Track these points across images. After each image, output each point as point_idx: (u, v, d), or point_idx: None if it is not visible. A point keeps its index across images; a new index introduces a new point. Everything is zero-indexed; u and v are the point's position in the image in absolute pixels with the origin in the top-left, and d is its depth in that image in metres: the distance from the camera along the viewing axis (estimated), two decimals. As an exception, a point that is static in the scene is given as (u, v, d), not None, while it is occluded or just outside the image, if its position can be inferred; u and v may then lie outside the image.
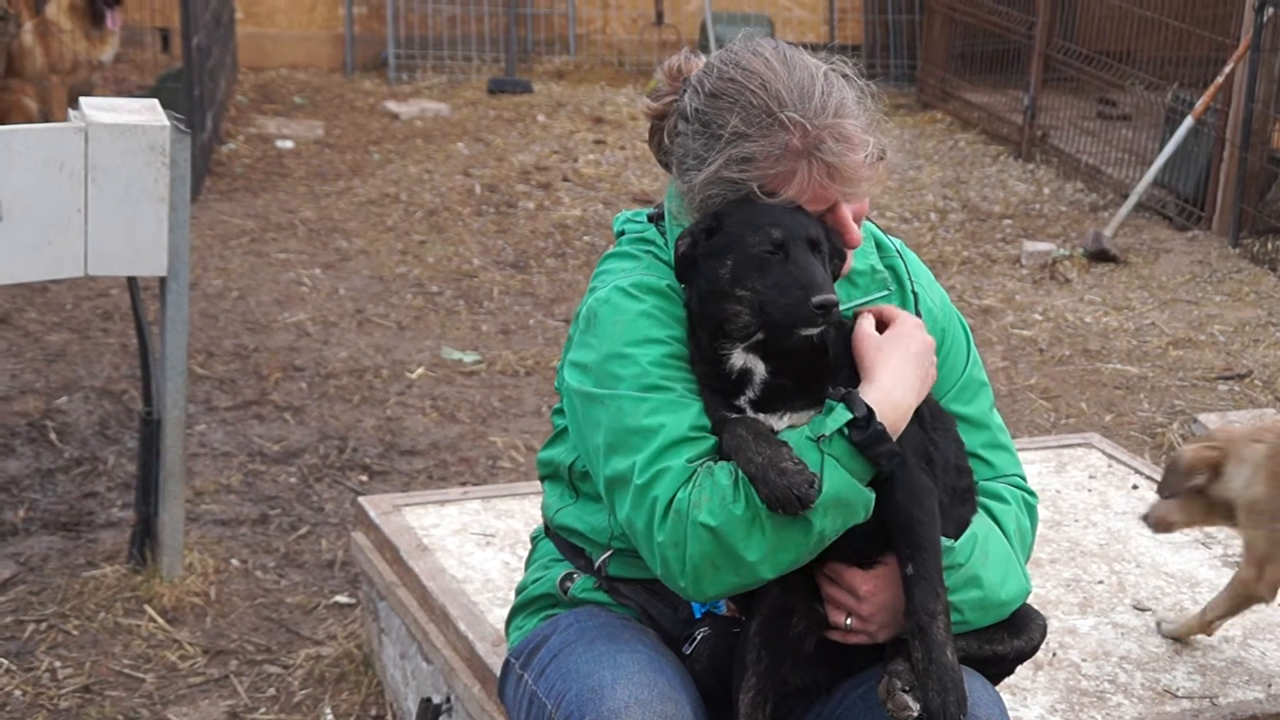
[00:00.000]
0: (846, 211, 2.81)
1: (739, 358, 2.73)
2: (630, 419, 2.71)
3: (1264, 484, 3.89)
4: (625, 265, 2.94)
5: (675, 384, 2.75)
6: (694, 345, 2.79)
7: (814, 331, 2.68)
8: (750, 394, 2.74)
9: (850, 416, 2.65)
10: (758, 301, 2.68)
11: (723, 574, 2.64)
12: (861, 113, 2.79)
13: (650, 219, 3.02)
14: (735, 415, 2.73)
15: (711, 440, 2.71)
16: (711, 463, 2.68)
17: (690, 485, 2.64)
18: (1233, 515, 3.97)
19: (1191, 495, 4.00)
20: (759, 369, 2.73)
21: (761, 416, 2.72)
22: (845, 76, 2.82)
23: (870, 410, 2.67)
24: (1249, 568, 3.94)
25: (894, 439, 2.68)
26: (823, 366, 2.75)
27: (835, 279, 2.80)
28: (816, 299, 2.62)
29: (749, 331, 2.71)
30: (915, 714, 2.66)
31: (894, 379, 2.75)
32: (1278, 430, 3.97)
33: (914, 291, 3.06)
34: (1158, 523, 4.11)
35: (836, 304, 2.64)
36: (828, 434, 2.64)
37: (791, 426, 2.71)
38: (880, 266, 3.03)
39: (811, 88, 2.75)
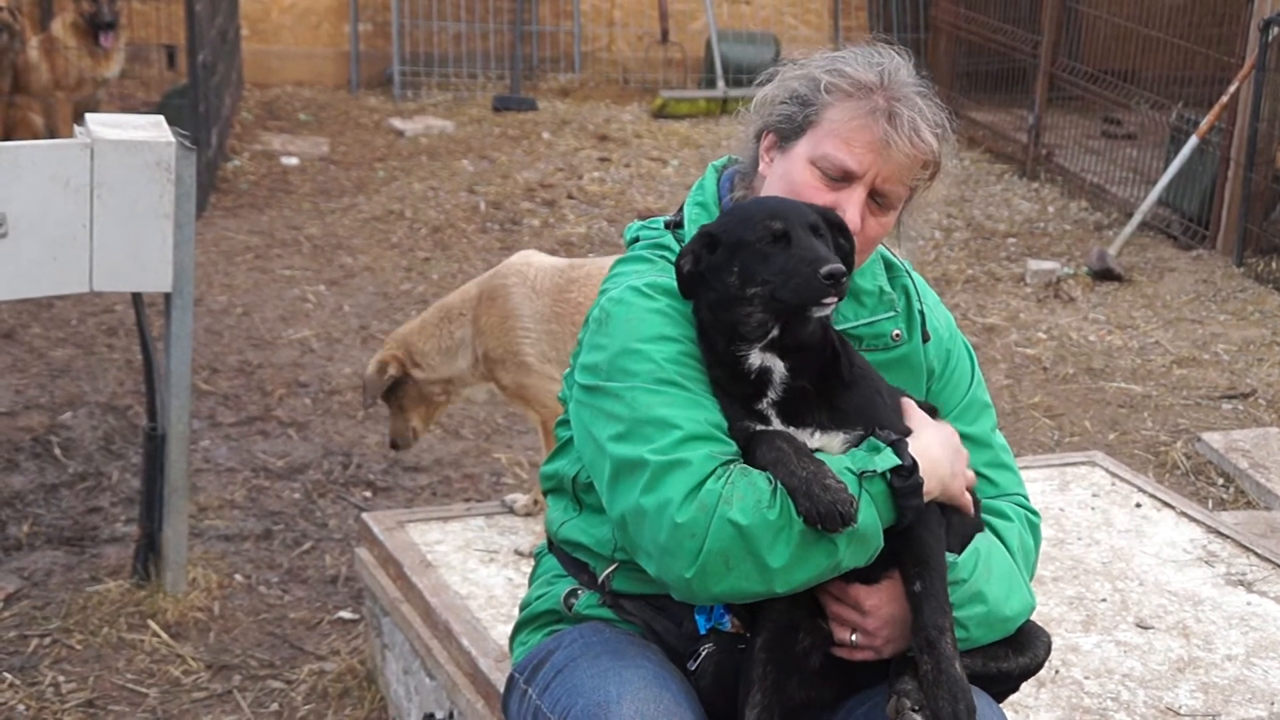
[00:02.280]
0: (861, 197, 2.85)
1: (757, 357, 2.74)
2: (644, 410, 2.71)
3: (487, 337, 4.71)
4: (639, 268, 2.95)
5: (690, 382, 2.75)
6: (708, 351, 2.80)
7: (828, 311, 2.70)
8: (772, 394, 2.75)
9: (897, 463, 2.69)
10: (769, 292, 2.69)
11: (733, 575, 2.63)
12: (940, 136, 2.92)
13: (667, 226, 3.04)
14: (763, 427, 2.74)
15: (731, 443, 2.71)
16: (745, 466, 2.68)
17: (722, 481, 2.64)
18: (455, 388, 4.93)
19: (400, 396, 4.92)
20: (778, 367, 2.74)
21: (792, 430, 2.73)
22: (947, 129, 2.96)
23: (915, 462, 2.70)
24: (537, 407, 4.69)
25: (923, 499, 2.72)
26: (837, 375, 2.77)
27: (850, 268, 2.83)
28: (824, 270, 2.65)
29: (765, 329, 2.72)
30: (925, 731, 2.67)
31: (938, 447, 2.82)
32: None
33: (921, 311, 3.08)
34: (398, 437, 5.02)
35: (845, 273, 2.67)
36: (873, 471, 2.67)
37: (821, 449, 2.72)
38: (888, 288, 3.05)
39: (918, 88, 2.91)
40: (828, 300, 2.67)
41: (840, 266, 2.66)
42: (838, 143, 2.85)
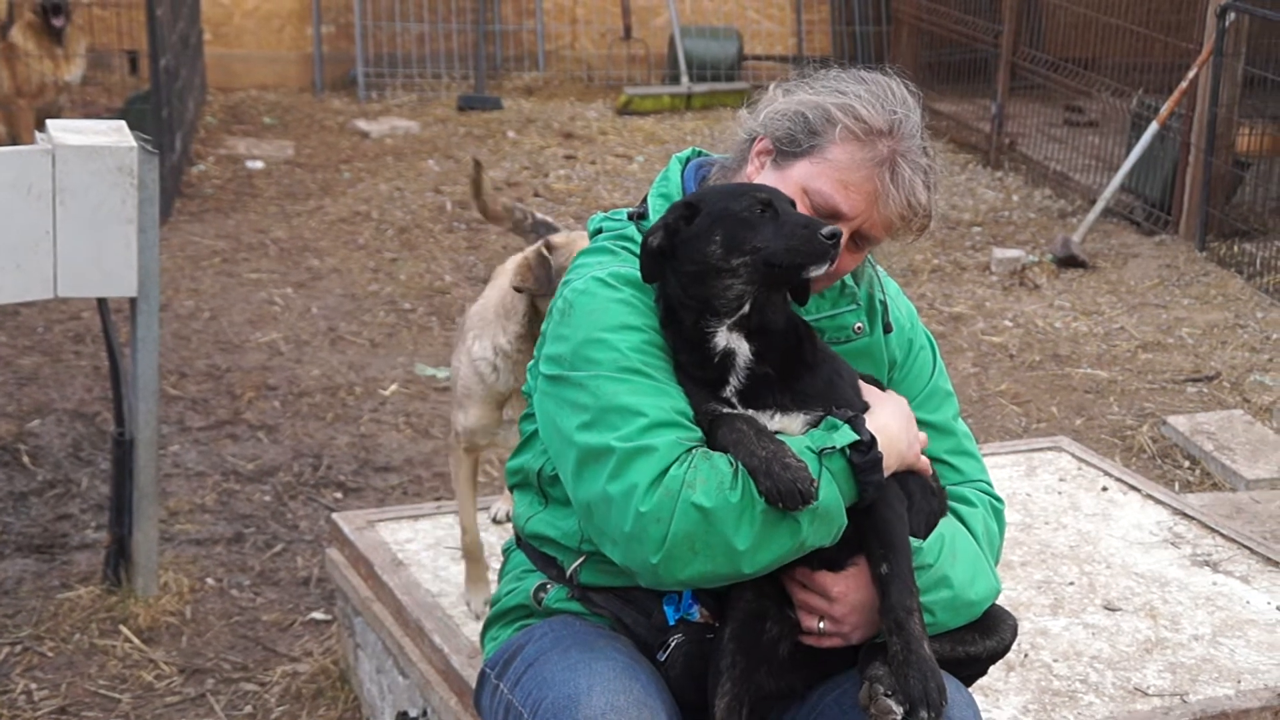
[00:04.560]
0: (844, 238, 2.85)
1: (723, 337, 2.76)
2: (609, 398, 2.72)
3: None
4: (602, 259, 2.97)
5: (654, 370, 2.77)
6: (675, 335, 2.81)
7: (822, 270, 2.72)
8: (735, 382, 2.77)
9: (855, 438, 2.71)
10: (760, 259, 2.71)
11: (699, 559, 2.65)
12: (934, 194, 2.93)
13: (630, 217, 3.05)
14: (727, 410, 2.76)
15: (696, 430, 2.73)
16: (707, 450, 2.70)
17: (685, 466, 2.65)
18: None
19: None
20: (742, 349, 2.76)
21: (752, 413, 2.75)
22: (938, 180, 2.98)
23: (873, 438, 2.73)
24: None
25: (883, 474, 2.74)
26: (800, 359, 2.79)
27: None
28: (825, 230, 2.69)
29: (740, 303, 2.74)
30: (899, 717, 2.68)
31: (895, 422, 2.85)
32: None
33: (882, 302, 3.11)
34: None
35: (842, 233, 2.72)
36: (832, 448, 2.69)
37: (781, 430, 2.74)
38: (850, 281, 3.07)
39: (924, 143, 2.91)
40: (824, 262, 2.70)
41: (838, 227, 2.72)
42: (835, 184, 2.85)
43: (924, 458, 2.94)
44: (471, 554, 4.18)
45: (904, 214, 2.88)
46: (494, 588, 4.03)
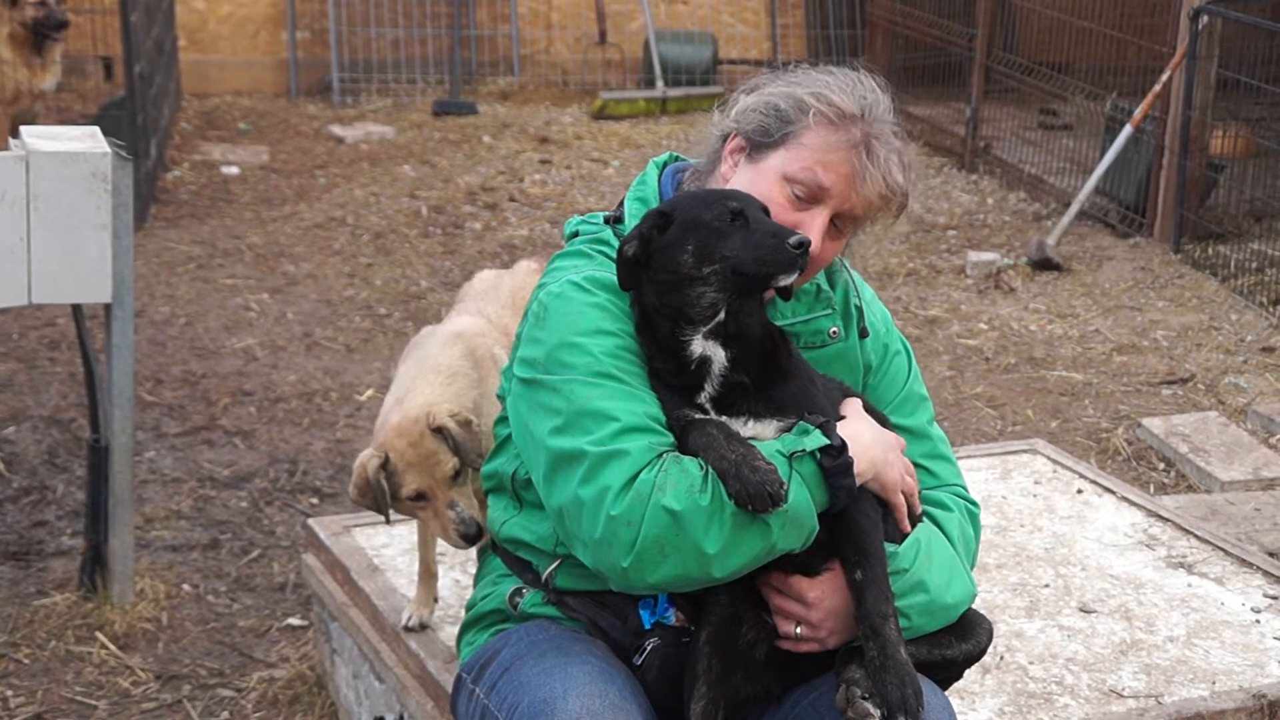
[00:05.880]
0: (824, 222, 2.86)
1: (699, 345, 2.77)
2: (582, 402, 2.73)
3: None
4: (577, 263, 2.97)
5: (628, 376, 2.77)
6: (650, 342, 2.81)
7: (791, 279, 2.73)
8: (710, 389, 2.77)
9: (826, 442, 2.72)
10: (729, 268, 2.71)
11: (669, 563, 2.65)
12: (909, 174, 2.95)
13: (607, 221, 3.06)
14: (699, 416, 2.76)
15: (669, 435, 2.74)
16: (678, 454, 2.70)
17: (655, 469, 2.66)
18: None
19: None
20: (718, 356, 2.77)
21: (725, 419, 2.75)
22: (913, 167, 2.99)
23: (844, 442, 2.73)
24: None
25: (855, 479, 2.75)
26: (776, 367, 2.80)
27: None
28: (793, 239, 2.69)
29: (714, 311, 2.75)
30: (876, 719, 2.69)
31: (869, 433, 2.85)
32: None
33: (858, 306, 3.12)
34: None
35: (810, 241, 2.72)
36: (802, 451, 2.69)
37: (754, 436, 2.75)
38: (826, 286, 3.08)
39: (895, 126, 2.93)
40: (793, 271, 2.70)
41: (807, 236, 2.72)
42: (815, 164, 2.87)
43: (900, 496, 2.90)
44: (423, 579, 4.02)
45: (883, 193, 2.90)
46: (438, 608, 4.03)
